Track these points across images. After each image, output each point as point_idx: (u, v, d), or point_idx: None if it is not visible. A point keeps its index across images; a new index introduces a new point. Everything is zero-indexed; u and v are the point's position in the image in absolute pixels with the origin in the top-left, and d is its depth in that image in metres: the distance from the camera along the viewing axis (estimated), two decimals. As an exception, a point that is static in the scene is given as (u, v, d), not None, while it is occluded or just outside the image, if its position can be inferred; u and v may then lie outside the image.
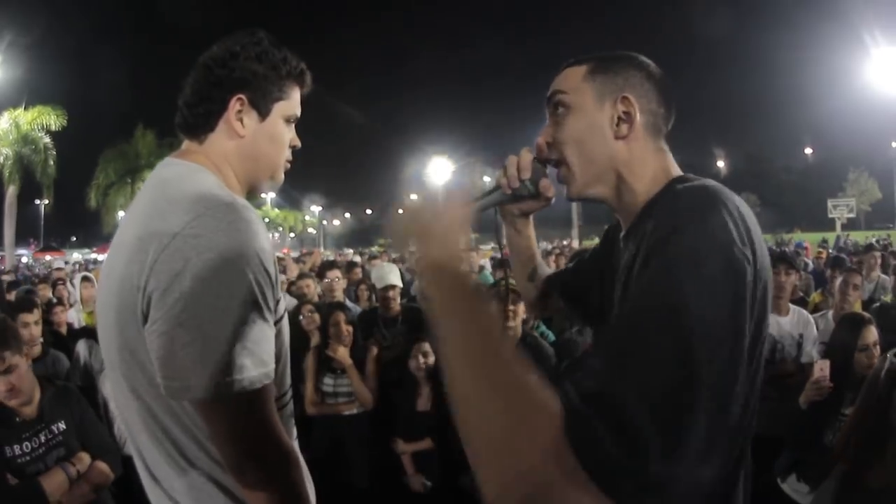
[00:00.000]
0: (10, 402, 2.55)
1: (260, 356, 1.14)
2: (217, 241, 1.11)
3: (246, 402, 1.13)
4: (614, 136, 1.13)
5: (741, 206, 0.95)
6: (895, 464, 2.21)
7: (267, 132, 1.37)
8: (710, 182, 1.01)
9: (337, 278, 4.88)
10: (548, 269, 1.64)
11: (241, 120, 1.33)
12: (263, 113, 1.36)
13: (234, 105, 1.32)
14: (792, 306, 4.18)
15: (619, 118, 1.12)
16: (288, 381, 1.40)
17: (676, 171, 1.16)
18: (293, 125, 1.43)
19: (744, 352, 0.85)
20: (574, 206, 33.20)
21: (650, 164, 1.14)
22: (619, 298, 1.14)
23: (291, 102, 1.40)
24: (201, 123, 1.34)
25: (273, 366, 1.19)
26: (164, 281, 1.10)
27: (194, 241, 1.10)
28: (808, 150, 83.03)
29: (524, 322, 3.89)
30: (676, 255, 0.85)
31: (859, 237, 25.79)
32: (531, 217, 1.51)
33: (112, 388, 1.31)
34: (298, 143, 1.45)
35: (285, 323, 1.35)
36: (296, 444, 1.35)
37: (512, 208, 1.45)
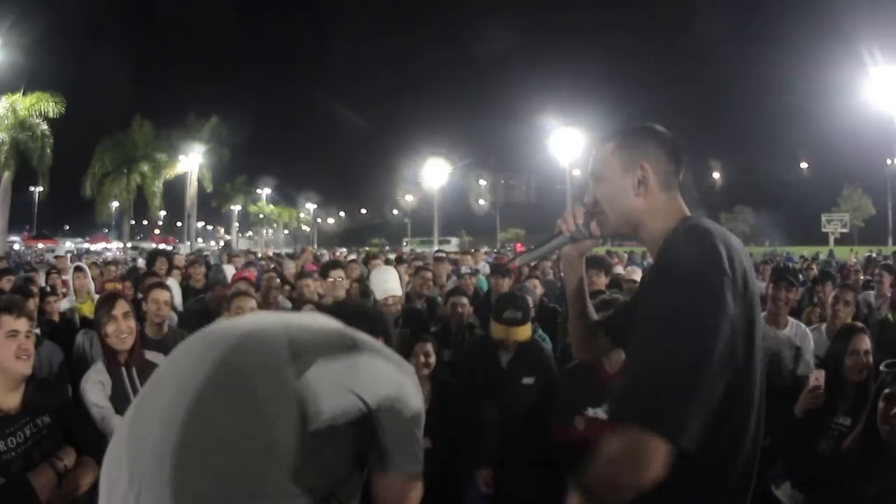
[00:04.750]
0: (24, 362, 2.47)
1: None
2: None
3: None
4: (635, 195, 1.58)
5: (726, 235, 1.48)
6: (889, 471, 2.29)
7: None
8: (704, 221, 1.51)
9: (340, 278, 4.84)
10: (593, 310, 1.94)
11: None
12: None
13: None
14: (791, 319, 4.24)
15: (639, 181, 1.57)
16: None
17: (685, 212, 1.59)
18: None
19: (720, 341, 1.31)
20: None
21: (663, 211, 1.59)
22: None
23: None
24: None
25: None
26: None
27: None
28: (804, 165, 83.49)
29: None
30: (680, 273, 1.38)
31: (844, 252, 25.93)
32: (584, 258, 1.87)
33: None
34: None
35: None
36: None
37: (571, 249, 1.80)
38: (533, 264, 9.72)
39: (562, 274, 1.91)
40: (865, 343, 3.27)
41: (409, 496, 1.55)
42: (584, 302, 1.88)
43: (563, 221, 1.73)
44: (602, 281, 4.89)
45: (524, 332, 3.65)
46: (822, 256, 21.88)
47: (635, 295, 1.90)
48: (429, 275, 6.18)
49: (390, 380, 1.54)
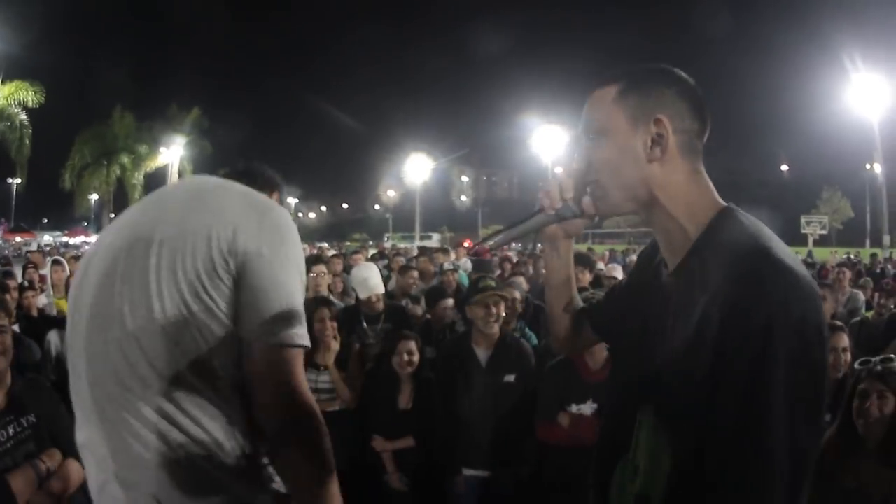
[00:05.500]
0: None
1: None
2: (289, 227, 1.41)
3: (298, 353, 1.35)
4: (648, 160, 1.13)
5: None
6: (865, 465, 2.33)
7: None
8: (771, 240, 1.08)
9: (322, 273, 4.83)
10: (579, 299, 1.54)
11: None
12: None
13: None
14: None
15: (653, 140, 1.13)
16: None
17: (717, 197, 1.18)
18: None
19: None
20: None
21: (685, 187, 1.15)
22: (678, 331, 1.11)
23: None
24: None
25: None
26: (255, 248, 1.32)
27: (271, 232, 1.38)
28: (785, 167, 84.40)
29: (506, 323, 3.89)
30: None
31: (824, 254, 26.35)
32: (572, 239, 1.47)
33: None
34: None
35: None
36: None
37: (557, 230, 1.40)
38: (515, 261, 9.78)
39: (542, 260, 1.45)
40: (844, 341, 3.33)
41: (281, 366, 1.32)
42: (570, 293, 1.49)
43: (545, 195, 1.28)
44: (587, 278, 4.84)
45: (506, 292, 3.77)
46: (801, 257, 22.17)
47: (627, 285, 1.46)
48: (415, 273, 6.21)
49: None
